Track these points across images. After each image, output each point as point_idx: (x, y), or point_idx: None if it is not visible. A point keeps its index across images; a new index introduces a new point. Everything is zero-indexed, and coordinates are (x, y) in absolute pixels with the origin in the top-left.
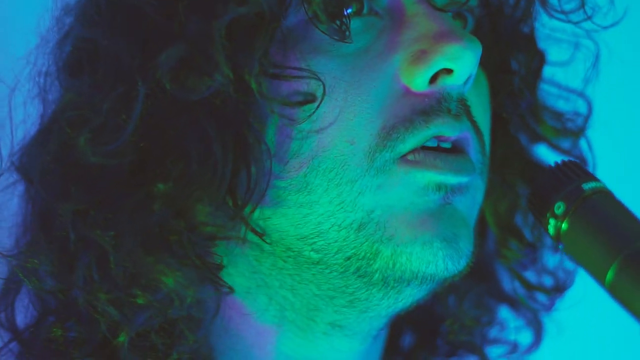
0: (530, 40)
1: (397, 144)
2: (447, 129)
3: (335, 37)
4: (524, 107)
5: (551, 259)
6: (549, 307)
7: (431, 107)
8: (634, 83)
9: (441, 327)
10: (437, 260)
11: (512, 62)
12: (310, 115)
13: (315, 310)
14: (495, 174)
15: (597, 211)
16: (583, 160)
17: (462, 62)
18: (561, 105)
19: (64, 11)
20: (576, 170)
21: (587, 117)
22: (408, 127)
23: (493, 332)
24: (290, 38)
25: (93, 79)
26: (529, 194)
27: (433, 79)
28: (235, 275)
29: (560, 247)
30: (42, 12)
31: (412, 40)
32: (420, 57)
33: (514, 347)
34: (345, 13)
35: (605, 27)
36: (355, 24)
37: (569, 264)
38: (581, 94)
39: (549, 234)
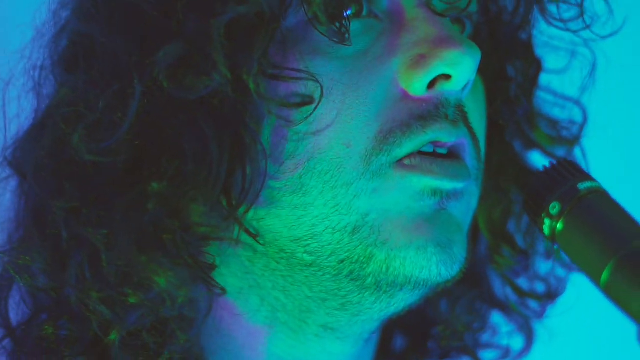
0: (527, 48)
1: (393, 148)
2: (444, 135)
3: (335, 40)
4: (520, 114)
5: (543, 266)
6: (540, 314)
7: (429, 112)
8: (632, 87)
9: (433, 330)
10: (430, 266)
11: (509, 69)
12: (307, 117)
13: (308, 312)
14: (490, 180)
15: (593, 211)
16: None
17: (461, 68)
18: (557, 112)
19: (61, 5)
20: (571, 170)
21: (582, 126)
22: (405, 131)
23: (485, 337)
24: (289, 39)
25: (89, 75)
26: (524, 194)
27: (431, 84)
28: (228, 275)
29: (555, 247)
30: (38, 6)
31: (412, 44)
32: (419, 61)
33: (506, 352)
34: (345, 15)
35: (604, 37)
36: (354, 26)
37: (561, 271)
38: (577, 102)
39: (544, 234)
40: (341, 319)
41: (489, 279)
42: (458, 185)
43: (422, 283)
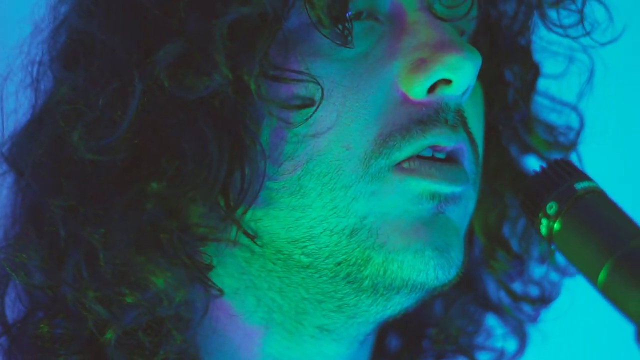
0: (526, 53)
1: (393, 152)
2: (444, 140)
3: (337, 42)
4: (518, 119)
5: (537, 270)
6: (534, 318)
7: (429, 116)
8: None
9: (427, 331)
10: (428, 269)
11: (507, 74)
12: (307, 119)
13: (304, 314)
14: (486, 184)
15: (590, 211)
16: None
17: (461, 73)
18: (554, 117)
19: (59, 0)
20: (568, 170)
21: (579, 132)
22: (405, 135)
23: (479, 340)
24: (290, 40)
25: (88, 73)
26: (521, 193)
27: (431, 89)
28: (224, 275)
29: (552, 247)
30: (36, 1)
31: (413, 48)
32: (420, 65)
33: (501, 355)
34: (348, 17)
35: (603, 44)
36: (355, 28)
37: (555, 276)
38: (574, 108)
39: (541, 234)
40: (337, 320)
41: (483, 282)
42: (456, 189)
43: (419, 286)
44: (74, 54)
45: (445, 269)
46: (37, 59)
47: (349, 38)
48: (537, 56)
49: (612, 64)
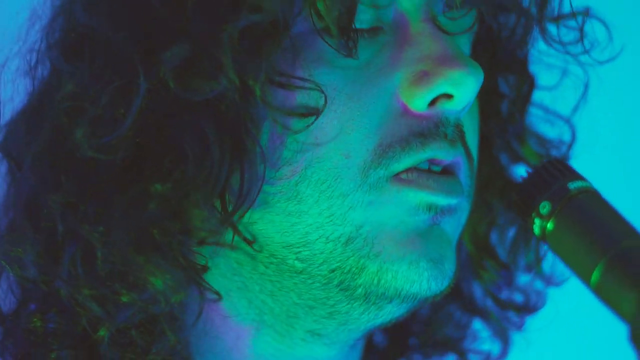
0: (523, 64)
1: (391, 163)
2: (442, 154)
3: (343, 52)
4: (511, 131)
5: (524, 279)
6: (519, 326)
7: (429, 130)
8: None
9: (413, 328)
10: (421, 280)
11: (502, 85)
12: (308, 126)
13: (295, 318)
14: (476, 193)
15: (583, 211)
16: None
17: (464, 89)
18: (546, 128)
19: None
20: (562, 170)
21: (571, 145)
22: (404, 147)
23: (466, 343)
24: (295, 46)
25: (93, 68)
26: (514, 193)
27: (432, 102)
28: (217, 275)
29: (545, 247)
30: None
31: (415, 59)
32: (422, 78)
33: (487, 357)
34: (355, 28)
35: (602, 62)
36: (359, 37)
37: (540, 285)
38: (567, 121)
39: (534, 233)
40: (328, 326)
41: (471, 288)
42: (452, 201)
43: (411, 297)
44: (77, 48)
45: (439, 281)
46: (36, 46)
47: (355, 50)
48: (532, 67)
49: (607, 69)
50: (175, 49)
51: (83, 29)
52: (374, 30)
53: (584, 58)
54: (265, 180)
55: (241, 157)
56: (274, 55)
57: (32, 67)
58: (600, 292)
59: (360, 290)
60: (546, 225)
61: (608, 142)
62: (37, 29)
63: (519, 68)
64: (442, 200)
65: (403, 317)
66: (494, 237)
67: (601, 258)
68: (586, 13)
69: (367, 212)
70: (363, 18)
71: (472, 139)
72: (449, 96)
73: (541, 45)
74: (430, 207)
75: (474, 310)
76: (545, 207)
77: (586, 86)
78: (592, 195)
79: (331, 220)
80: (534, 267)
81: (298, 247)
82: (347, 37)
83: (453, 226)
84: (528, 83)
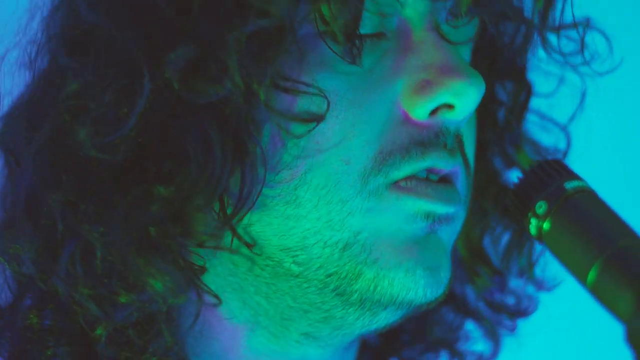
0: (521, 72)
1: (391, 170)
2: (442, 163)
3: (347, 59)
4: (507, 138)
5: (516, 284)
6: (512, 328)
7: (429, 139)
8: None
9: (406, 326)
10: (417, 288)
11: (500, 92)
12: (310, 130)
13: (289, 320)
14: (471, 199)
15: (580, 210)
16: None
17: (465, 99)
18: (541, 134)
19: None
20: (558, 169)
21: (566, 152)
22: (404, 155)
23: (458, 344)
24: (299, 50)
25: (97, 67)
26: (510, 192)
27: (433, 111)
28: (213, 275)
29: (542, 247)
30: None
31: (418, 67)
32: (424, 87)
33: (480, 357)
34: (360, 34)
35: (601, 74)
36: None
37: (532, 290)
38: (563, 129)
39: (530, 233)
40: (322, 330)
41: (464, 290)
42: (450, 209)
43: (406, 304)
44: (81, 44)
45: (434, 288)
46: (36, 38)
47: (359, 58)
48: (529, 74)
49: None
50: (181, 50)
51: (87, 26)
52: (377, 37)
53: (583, 68)
54: (265, 182)
55: (242, 160)
56: (278, 59)
57: (32, 60)
58: (597, 291)
59: (356, 295)
60: (542, 225)
61: (604, 142)
62: (38, 21)
63: (517, 75)
64: (440, 209)
65: (397, 323)
66: (487, 242)
67: (597, 258)
68: (587, 24)
69: (366, 219)
70: (367, 24)
71: (470, 148)
72: (450, 106)
73: (539, 52)
74: (428, 216)
75: (467, 311)
76: (541, 207)
77: (583, 95)
78: (588, 195)
79: (329, 226)
80: (527, 272)
81: (295, 251)
82: (352, 44)
83: (449, 234)
84: (526, 90)
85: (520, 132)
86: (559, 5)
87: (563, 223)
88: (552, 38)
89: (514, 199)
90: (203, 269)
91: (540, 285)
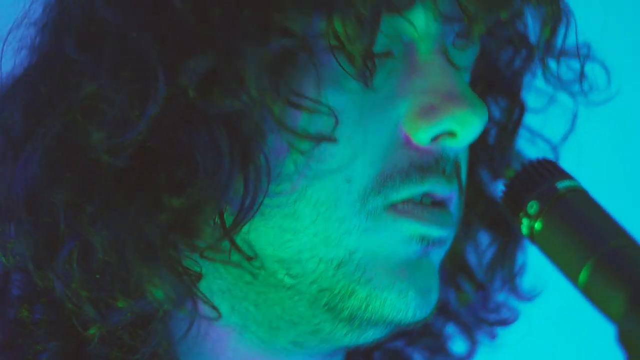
0: (517, 92)
1: (390, 193)
2: (439, 189)
3: (360, 80)
4: (498, 155)
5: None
6: (492, 336)
7: (429, 164)
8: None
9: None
10: (408, 309)
11: (493, 108)
12: (315, 147)
13: (277, 329)
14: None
15: (571, 210)
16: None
17: (468, 128)
18: (529, 148)
19: None
20: (550, 169)
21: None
22: (404, 178)
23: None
24: (312, 67)
25: (111, 67)
26: (502, 192)
27: (435, 137)
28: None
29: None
30: None
31: (423, 90)
32: (428, 112)
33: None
34: (375, 56)
35: (598, 104)
36: None
37: (514, 301)
38: (553, 147)
39: (522, 233)
40: (310, 341)
41: (447, 295)
42: (444, 233)
43: (395, 323)
44: (95, 41)
45: (424, 310)
46: (40, 22)
47: (371, 80)
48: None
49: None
50: (199, 59)
51: (102, 22)
52: (385, 55)
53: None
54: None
55: (248, 170)
56: (293, 75)
57: (35, 44)
58: (588, 292)
59: (346, 312)
60: (534, 225)
61: (600, 142)
62: (40, 2)
63: (512, 94)
64: (434, 233)
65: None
66: (471, 255)
67: (589, 258)
68: (587, 54)
69: (362, 239)
70: (377, 43)
71: (464, 171)
72: (452, 134)
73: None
74: (423, 239)
75: (448, 315)
76: (533, 207)
77: (575, 116)
78: (580, 195)
79: (326, 243)
80: (509, 283)
81: (289, 263)
82: (366, 65)
83: (439, 256)
84: (519, 108)
85: (511, 149)
86: (561, 32)
87: (555, 223)
88: (552, 64)
89: (505, 199)
90: (200, 276)
91: (520, 296)
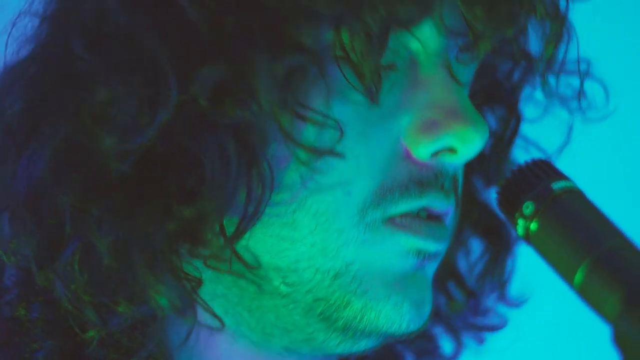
0: (514, 104)
1: (389, 206)
2: (437, 204)
3: (367, 96)
4: (492, 164)
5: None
6: (480, 341)
7: (428, 179)
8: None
9: None
10: (402, 322)
11: (489, 118)
12: (318, 159)
13: (271, 335)
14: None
15: (567, 211)
16: None
17: (469, 146)
18: (521, 155)
19: None
20: (546, 170)
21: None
22: (403, 192)
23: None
24: (321, 79)
25: (123, 71)
26: (498, 193)
27: (435, 153)
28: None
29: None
30: None
31: (426, 105)
32: (430, 127)
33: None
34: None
35: (596, 120)
36: None
37: (503, 308)
38: (544, 152)
39: (518, 234)
40: (303, 349)
41: (438, 300)
42: (440, 247)
43: (389, 335)
44: (105, 42)
45: (417, 322)
46: (43, 13)
47: (377, 95)
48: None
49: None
50: (211, 69)
51: (115, 25)
52: (389, 68)
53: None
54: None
55: (252, 180)
56: (302, 86)
57: (37, 37)
58: (584, 292)
59: (341, 322)
60: (530, 226)
61: (593, 143)
62: None
63: (510, 104)
64: (431, 247)
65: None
66: (462, 262)
67: (585, 258)
68: (587, 71)
69: (359, 251)
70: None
71: (460, 183)
72: (452, 150)
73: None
74: (419, 253)
75: (438, 319)
76: (528, 208)
77: (570, 129)
78: (576, 196)
79: (323, 253)
80: (498, 290)
81: (286, 272)
82: (374, 81)
83: (433, 269)
84: (516, 118)
85: (507, 158)
86: (563, 48)
87: (550, 223)
88: (551, 79)
89: (501, 199)
90: (200, 283)
91: (508, 302)
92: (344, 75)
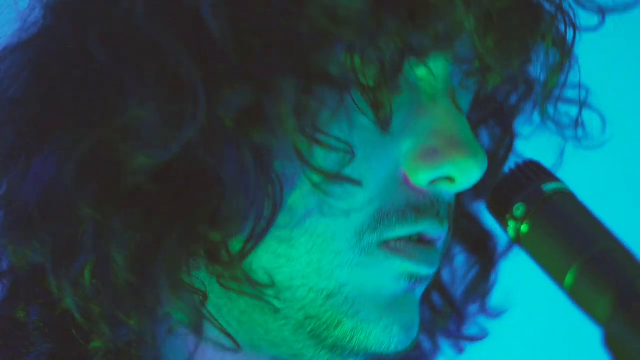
0: (510, 124)
1: (386, 231)
2: (432, 231)
3: (379, 125)
4: (484, 180)
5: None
6: (460, 350)
7: (424, 206)
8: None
9: None
10: (391, 344)
11: (482, 135)
12: (325, 180)
13: (258, 348)
14: None
15: (558, 213)
16: None
17: (468, 177)
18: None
19: None
20: (536, 171)
21: None
22: (400, 218)
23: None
24: (336, 104)
25: (152, 86)
26: (489, 194)
27: (433, 181)
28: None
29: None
30: None
31: (428, 132)
32: (431, 155)
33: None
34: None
35: (592, 148)
36: None
37: (485, 319)
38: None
39: (508, 236)
40: None
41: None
42: (431, 271)
43: (377, 355)
44: (130, 52)
45: (405, 344)
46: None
47: (389, 125)
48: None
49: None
50: (239, 91)
51: (140, 34)
52: (395, 91)
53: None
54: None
55: (265, 200)
56: (324, 113)
57: (50, 25)
58: (574, 294)
59: (330, 341)
60: (520, 228)
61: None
62: None
63: (505, 125)
64: (423, 271)
65: None
66: (446, 274)
67: (576, 260)
68: (585, 101)
69: (353, 273)
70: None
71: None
72: (451, 179)
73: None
74: (411, 277)
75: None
76: (519, 209)
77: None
78: (567, 197)
79: (318, 273)
80: (480, 301)
81: (280, 288)
82: (386, 110)
83: (422, 292)
84: (510, 137)
85: (498, 175)
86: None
87: (541, 225)
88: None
89: (491, 201)
90: (206, 296)
91: (489, 313)
92: (355, 102)
